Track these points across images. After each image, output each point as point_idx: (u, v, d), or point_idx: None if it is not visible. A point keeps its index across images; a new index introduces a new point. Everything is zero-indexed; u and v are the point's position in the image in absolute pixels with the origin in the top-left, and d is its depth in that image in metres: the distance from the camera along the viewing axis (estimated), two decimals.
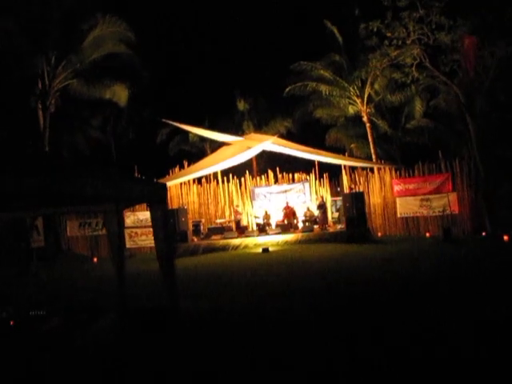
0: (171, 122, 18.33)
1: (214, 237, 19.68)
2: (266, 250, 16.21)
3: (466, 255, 12.57)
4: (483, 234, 16.98)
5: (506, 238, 14.46)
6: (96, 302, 7.87)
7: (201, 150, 29.36)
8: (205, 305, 8.19)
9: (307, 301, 8.04)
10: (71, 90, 19.76)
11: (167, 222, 6.94)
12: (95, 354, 5.55)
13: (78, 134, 28.86)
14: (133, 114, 30.55)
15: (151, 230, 19.34)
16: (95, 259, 19.16)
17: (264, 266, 12.90)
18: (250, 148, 19.58)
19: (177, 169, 22.30)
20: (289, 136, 25.71)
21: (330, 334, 5.99)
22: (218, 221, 21.51)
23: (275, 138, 19.71)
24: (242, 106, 28.83)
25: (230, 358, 5.30)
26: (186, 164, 22.39)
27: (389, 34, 18.34)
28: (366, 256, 13.41)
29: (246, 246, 17.96)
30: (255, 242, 18.09)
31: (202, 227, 20.69)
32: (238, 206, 21.97)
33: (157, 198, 6.79)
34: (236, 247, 17.98)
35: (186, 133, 28.08)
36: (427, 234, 19.09)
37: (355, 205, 18.11)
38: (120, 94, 20.42)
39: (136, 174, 22.01)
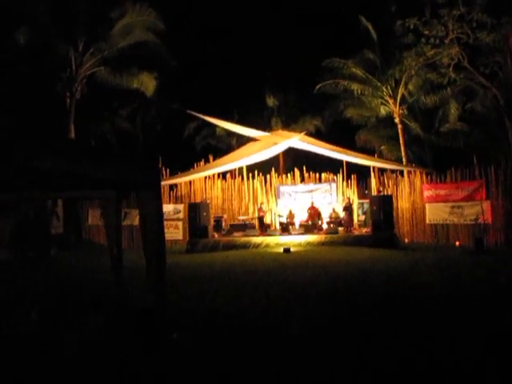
0: (197, 114, 17.93)
1: (235, 233, 19.24)
2: (287, 251, 15.69)
3: (499, 268, 11.79)
4: None
5: None
6: (94, 298, 7.48)
7: (227, 144, 28.96)
8: (206, 305, 7.75)
9: (321, 308, 7.50)
10: (98, 77, 19.59)
11: (160, 212, 6.04)
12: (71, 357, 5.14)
13: (105, 123, 28.82)
14: (161, 106, 30.34)
15: (172, 222, 19.48)
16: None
17: (283, 266, 12.38)
18: (276, 144, 19.03)
19: (202, 163, 21.94)
20: (317, 135, 25.13)
21: (333, 349, 5.46)
22: (241, 217, 21.06)
23: (302, 135, 19.12)
24: (271, 101, 28.29)
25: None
26: (211, 158, 22.02)
27: (426, 32, 17.63)
28: (392, 263, 12.73)
29: (267, 245, 17.47)
30: (277, 242, 17.57)
31: (223, 223, 20.26)
32: (262, 203, 21.48)
33: (145, 181, 5.71)
34: (257, 245, 17.50)
35: (213, 127, 27.75)
36: (457, 243, 18.24)
37: (383, 208, 17.41)
38: (147, 83, 20.15)
39: (160, 166, 21.78)
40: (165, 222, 20.44)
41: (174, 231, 21.69)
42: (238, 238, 18.21)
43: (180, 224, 21.49)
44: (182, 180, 21.38)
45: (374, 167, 21.21)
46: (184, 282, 10.43)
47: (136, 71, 19.78)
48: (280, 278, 10.57)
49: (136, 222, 21.09)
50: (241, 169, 22.84)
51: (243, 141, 25.42)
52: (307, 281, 10.04)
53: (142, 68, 19.98)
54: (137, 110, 30.65)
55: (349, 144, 23.49)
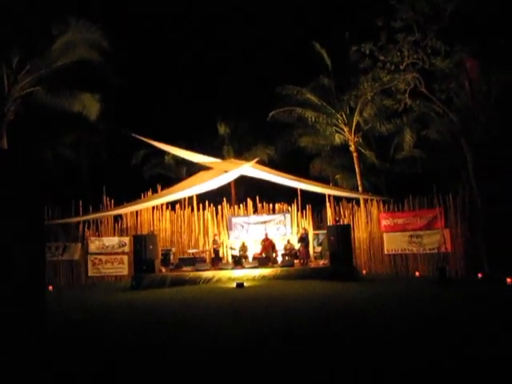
0: (143, 139, 16.64)
1: (184, 268, 17.88)
2: (240, 285, 14.46)
3: (469, 301, 10.97)
4: (479, 275, 15.45)
5: (510, 280, 12.91)
6: None
7: (177, 174, 27.64)
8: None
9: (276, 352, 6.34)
10: (36, 98, 17.92)
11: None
12: None
13: (46, 151, 27.09)
14: (107, 132, 28.90)
15: (117, 257, 17.98)
16: (50, 287, 17.13)
17: (234, 304, 11.14)
18: (227, 172, 17.98)
19: (149, 192, 20.61)
20: (271, 164, 24.16)
21: None
22: (190, 251, 19.73)
23: (254, 163, 18.14)
24: (222, 129, 27.29)
25: None
26: (159, 188, 20.73)
27: (382, 58, 17.17)
28: (353, 297, 11.76)
29: (219, 280, 16.19)
30: (229, 276, 16.32)
31: (172, 256, 18.88)
32: (216, 234, 20.26)
33: None
34: (208, 280, 16.18)
35: (162, 155, 26.52)
36: (416, 273, 17.60)
37: (341, 239, 16.53)
38: (90, 106, 18.65)
39: (104, 196, 20.37)
40: (109, 257, 19.50)
41: (119, 266, 20.14)
42: (188, 272, 16.86)
43: (125, 258, 19.96)
44: (127, 210, 19.95)
45: (329, 197, 20.48)
46: (118, 326, 9.07)
47: (78, 92, 18.22)
48: (230, 317, 9.34)
49: (76, 256, 19.54)
50: (191, 199, 21.66)
51: (194, 170, 24.31)
52: (261, 320, 8.86)
53: (84, 89, 18.51)
54: (81, 136, 29.13)
55: (303, 173, 22.74)
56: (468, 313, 9.18)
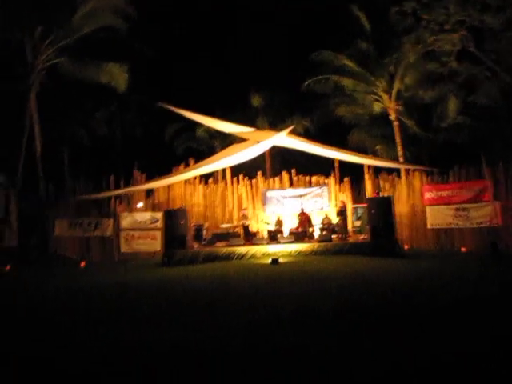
0: (169, 107, 15.86)
1: (218, 243, 17.28)
2: (275, 262, 13.71)
3: None
4: None
5: None
6: None
7: (210, 147, 27.05)
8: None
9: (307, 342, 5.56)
10: (62, 70, 17.32)
11: None
12: None
13: (79, 127, 26.88)
14: (140, 109, 28.46)
15: (149, 232, 17.55)
16: (82, 264, 16.83)
17: (269, 281, 10.39)
18: (259, 142, 17.08)
19: (181, 167, 19.97)
20: (307, 136, 23.15)
21: None
22: (223, 225, 19.08)
23: (288, 131, 17.08)
24: (256, 101, 26.36)
25: None
26: (192, 162, 20.06)
27: (426, 17, 15.88)
28: (398, 275, 10.80)
29: (253, 256, 15.51)
30: (264, 251, 15.60)
31: (204, 232, 18.27)
32: (245, 208, 19.53)
33: None
34: (241, 256, 15.51)
35: (194, 129, 25.87)
36: (463, 249, 16.47)
37: (382, 211, 15.54)
38: (118, 77, 17.96)
39: (136, 171, 19.87)
40: (141, 232, 19.06)
41: (152, 242, 19.69)
42: (221, 248, 16.21)
43: (158, 234, 19.43)
44: (159, 185, 19.41)
45: (368, 168, 19.42)
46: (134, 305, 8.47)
47: (104, 63, 17.53)
48: (265, 296, 8.60)
49: (108, 232, 19.18)
50: (224, 173, 20.99)
51: (227, 143, 23.61)
52: (295, 300, 8.08)
53: (111, 60, 17.81)
54: (114, 112, 28.81)
55: (341, 145, 21.71)
56: None
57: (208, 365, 4.93)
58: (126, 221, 19.56)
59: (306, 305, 7.56)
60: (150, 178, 19.20)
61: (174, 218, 16.40)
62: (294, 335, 5.78)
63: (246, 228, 18.15)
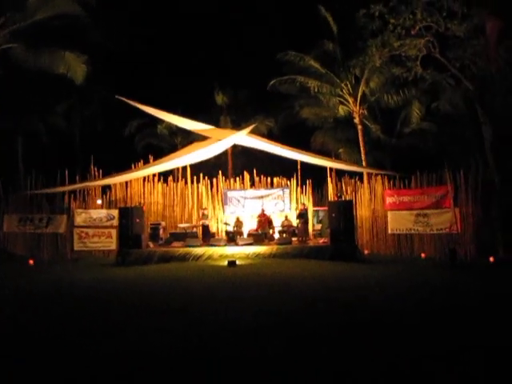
0: (127, 100, 15.17)
1: (175, 243, 16.73)
2: (232, 264, 13.27)
3: (483, 287, 9.78)
4: (491, 259, 14.18)
5: None
6: None
7: (171, 145, 26.43)
8: None
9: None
10: (14, 56, 16.33)
11: None
12: None
13: (37, 119, 25.84)
14: (101, 104, 27.55)
15: (105, 230, 16.86)
16: (31, 261, 16.01)
17: (222, 285, 9.95)
18: (220, 140, 16.62)
19: (141, 163, 19.29)
20: (270, 137, 22.80)
21: None
22: (181, 225, 18.53)
23: (249, 130, 16.66)
24: (220, 99, 25.91)
25: None
26: (151, 159, 19.44)
27: (392, 21, 15.71)
28: (357, 280, 10.51)
29: (209, 257, 15.04)
30: (221, 253, 15.16)
31: (161, 231, 17.69)
32: (206, 208, 19.03)
33: None
34: (198, 257, 15.02)
35: (155, 125, 25.22)
36: (422, 255, 16.40)
37: (343, 215, 15.30)
38: (76, 68, 17.08)
39: (92, 166, 19.09)
40: (96, 230, 18.32)
41: (107, 240, 18.94)
42: (177, 248, 15.66)
43: (114, 232, 18.69)
44: (116, 181, 18.71)
45: (331, 171, 19.22)
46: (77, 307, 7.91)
47: (61, 52, 16.58)
48: (212, 301, 8.16)
49: (61, 229, 18.36)
50: (184, 172, 20.44)
51: (188, 141, 23.07)
52: (247, 304, 7.68)
53: (69, 49, 16.93)
54: (73, 105, 27.83)
55: (304, 147, 21.47)
56: (482, 300, 8.02)
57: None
58: (81, 217, 18.77)
59: (258, 311, 7.15)
60: (108, 174, 18.47)
61: (129, 216, 15.78)
62: (239, 344, 5.37)
63: (205, 228, 17.67)
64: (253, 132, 17.63)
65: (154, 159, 19.09)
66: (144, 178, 19.75)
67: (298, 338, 5.68)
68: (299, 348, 5.30)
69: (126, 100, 15.17)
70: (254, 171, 20.47)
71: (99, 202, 19.00)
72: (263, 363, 4.81)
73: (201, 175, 20.45)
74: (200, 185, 20.34)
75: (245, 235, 17.27)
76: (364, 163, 20.74)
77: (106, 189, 19.62)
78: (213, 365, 4.78)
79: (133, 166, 19.11)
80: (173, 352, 5.21)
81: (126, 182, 19.51)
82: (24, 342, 5.77)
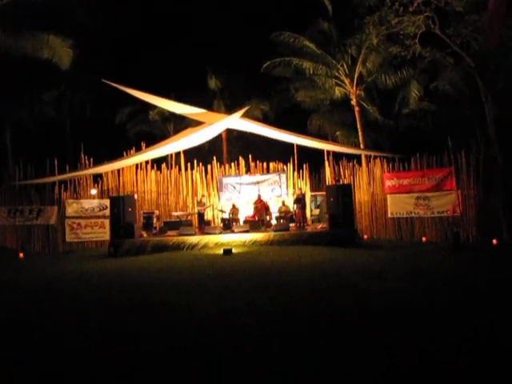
0: (114, 84, 14.49)
1: (169, 232, 16.23)
2: (228, 252, 12.81)
3: (490, 270, 9.34)
4: (494, 241, 13.75)
5: None
6: None
7: (163, 131, 25.81)
8: None
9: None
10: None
11: None
12: None
13: (24, 109, 25.20)
14: (91, 91, 26.83)
15: (97, 220, 16.35)
16: (21, 254, 15.51)
17: (217, 274, 9.46)
18: (211, 125, 16.07)
19: (133, 150, 18.72)
20: (265, 121, 22.22)
21: None
22: (175, 213, 18.07)
23: (243, 113, 16.07)
24: (213, 83, 25.22)
25: None
26: (143, 146, 18.89)
27: None
28: (357, 266, 10.02)
29: (205, 246, 14.55)
30: (217, 241, 14.68)
31: (155, 220, 17.22)
32: (203, 195, 18.52)
33: None
34: (193, 246, 14.53)
35: (147, 111, 24.58)
36: (423, 239, 16.00)
37: (341, 200, 14.82)
38: (61, 53, 16.37)
39: (82, 155, 18.51)
40: (88, 221, 17.81)
41: (100, 231, 18.52)
42: (171, 237, 15.15)
43: (107, 222, 18.19)
44: (107, 169, 18.20)
45: (328, 154, 18.73)
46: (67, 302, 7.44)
47: (44, 35, 15.89)
48: (205, 293, 7.69)
49: (52, 220, 17.84)
50: (178, 159, 19.89)
51: (181, 127, 22.47)
52: (242, 296, 7.21)
53: (53, 33, 16.20)
54: (63, 93, 27.16)
55: (300, 131, 20.93)
56: (491, 286, 7.57)
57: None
58: (72, 208, 18.28)
59: (252, 302, 6.69)
60: (99, 162, 17.89)
61: (120, 206, 15.21)
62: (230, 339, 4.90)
63: (201, 215, 17.14)
64: (247, 117, 17.09)
65: (147, 146, 18.55)
66: (137, 166, 19.27)
67: (296, 334, 5.21)
68: (298, 343, 4.84)
69: (113, 84, 14.58)
70: (250, 157, 20.00)
71: (94, 191, 18.49)
72: (260, 360, 4.35)
73: (195, 162, 19.95)
74: (194, 172, 19.87)
75: (241, 222, 16.79)
76: (362, 145, 20.22)
77: (97, 178, 19.10)
78: (209, 362, 4.32)
79: (125, 154, 18.54)
80: (166, 350, 4.74)
81: (118, 171, 19.01)
82: (16, 341, 5.41)
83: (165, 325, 5.73)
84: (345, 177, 18.68)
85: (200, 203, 17.42)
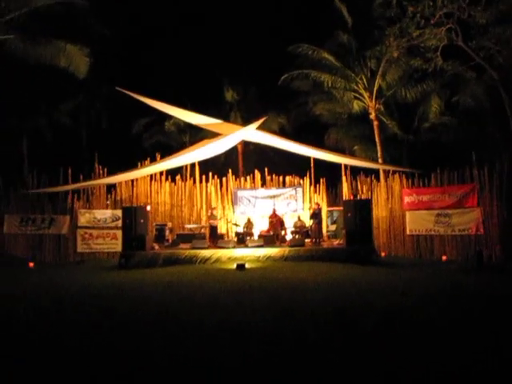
0: (127, 92, 14.28)
1: (182, 245, 15.89)
2: (241, 267, 12.42)
3: None
4: None
5: None
6: None
7: (179, 142, 25.65)
8: None
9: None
10: (11, 49, 15.41)
11: None
12: None
13: (42, 118, 25.28)
14: (109, 102, 26.83)
15: (109, 231, 16.11)
16: (31, 264, 15.27)
17: (230, 291, 9.06)
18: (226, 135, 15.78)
19: (147, 161, 18.49)
20: (282, 134, 21.90)
21: None
22: (188, 226, 17.74)
23: (259, 124, 15.69)
24: (230, 95, 25.05)
25: None
26: (158, 157, 18.64)
27: (411, 9, 14.77)
28: (376, 285, 9.57)
29: (217, 260, 14.17)
30: (230, 256, 14.28)
31: (167, 232, 16.91)
32: (215, 208, 18.16)
33: None
34: (205, 260, 14.16)
35: (163, 122, 24.46)
36: (443, 258, 15.43)
37: (359, 215, 14.37)
38: (79, 61, 16.25)
39: (96, 164, 18.36)
40: (101, 231, 17.58)
41: (112, 242, 18.27)
42: (183, 250, 14.80)
43: (119, 233, 17.84)
44: (121, 179, 17.97)
45: (345, 169, 18.32)
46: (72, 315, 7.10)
47: (61, 44, 15.72)
48: (218, 309, 7.30)
49: (64, 230, 17.64)
50: (193, 170, 19.57)
51: (197, 138, 22.25)
52: (254, 315, 6.81)
53: (69, 40, 16.06)
54: (81, 103, 27.20)
55: (317, 145, 20.58)
56: None
57: None
58: (85, 218, 18.09)
59: (264, 320, 6.29)
60: (114, 172, 17.68)
61: (132, 217, 14.94)
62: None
63: (213, 229, 16.76)
64: (264, 129, 16.78)
65: (162, 157, 18.31)
66: (151, 177, 19.04)
67: (308, 353, 4.81)
68: (310, 363, 4.44)
69: (128, 92, 14.39)
70: (266, 170, 19.66)
71: (108, 203, 18.40)
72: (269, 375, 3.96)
73: (210, 174, 19.65)
74: (209, 184, 19.55)
75: (255, 236, 16.40)
76: (380, 160, 19.79)
77: (111, 188, 18.91)
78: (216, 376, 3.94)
79: (139, 165, 18.32)
80: (172, 363, 4.38)
81: (132, 182, 18.80)
82: (22, 346, 5.23)
83: (174, 339, 5.37)
84: (362, 192, 18.26)
85: (212, 216, 17.05)
